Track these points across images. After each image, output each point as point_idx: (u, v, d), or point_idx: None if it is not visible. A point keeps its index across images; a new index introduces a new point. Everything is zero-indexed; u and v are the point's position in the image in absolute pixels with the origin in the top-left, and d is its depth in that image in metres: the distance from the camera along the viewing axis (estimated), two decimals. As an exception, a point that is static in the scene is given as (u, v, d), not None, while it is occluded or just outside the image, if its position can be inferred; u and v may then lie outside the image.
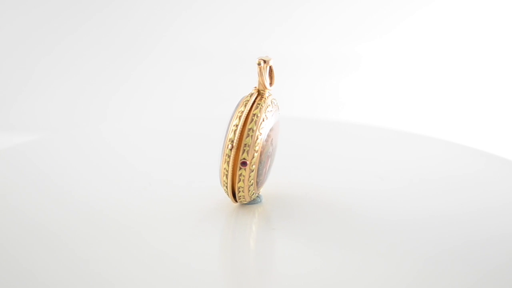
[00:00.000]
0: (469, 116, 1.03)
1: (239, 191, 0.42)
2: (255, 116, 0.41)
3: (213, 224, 0.42)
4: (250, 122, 0.41)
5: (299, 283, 0.36)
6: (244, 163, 0.41)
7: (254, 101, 0.42)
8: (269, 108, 0.42)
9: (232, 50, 1.07)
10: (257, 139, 0.41)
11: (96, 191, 0.47)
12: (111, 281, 0.35)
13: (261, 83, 0.42)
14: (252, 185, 0.42)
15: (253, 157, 0.41)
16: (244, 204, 0.44)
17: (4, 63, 1.05)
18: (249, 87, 0.44)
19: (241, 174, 0.41)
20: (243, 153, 0.41)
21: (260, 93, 0.42)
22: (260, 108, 0.42)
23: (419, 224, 0.42)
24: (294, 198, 0.46)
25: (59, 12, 1.06)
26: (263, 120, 0.41)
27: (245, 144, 0.41)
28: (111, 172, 0.51)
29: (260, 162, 0.42)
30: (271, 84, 0.43)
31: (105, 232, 0.41)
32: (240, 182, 0.42)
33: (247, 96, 0.42)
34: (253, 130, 0.41)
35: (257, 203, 0.45)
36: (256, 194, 0.44)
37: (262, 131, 0.41)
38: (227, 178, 0.42)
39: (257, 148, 0.41)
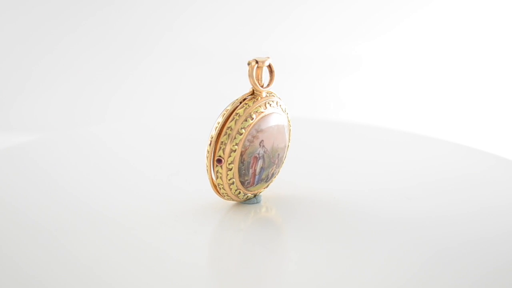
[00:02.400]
0: (470, 117, 1.03)
1: (220, 188, 0.42)
2: (237, 115, 0.41)
3: (208, 223, 0.42)
4: (231, 121, 0.41)
5: (289, 281, 0.36)
6: (219, 160, 0.41)
7: (243, 101, 0.42)
8: (261, 109, 0.42)
9: (232, 50, 1.07)
10: (234, 138, 0.41)
11: (96, 191, 0.47)
12: (108, 281, 0.35)
13: (251, 84, 0.42)
14: (233, 184, 0.42)
15: (230, 156, 0.41)
16: (242, 204, 0.45)
17: (4, 63, 1.05)
18: (249, 87, 0.44)
19: (217, 171, 0.41)
20: (219, 150, 0.41)
21: (254, 94, 0.42)
22: (246, 108, 0.41)
23: (421, 225, 0.42)
24: (294, 199, 0.46)
25: (59, 12, 1.06)
26: (246, 120, 0.41)
27: (222, 142, 0.41)
28: (111, 171, 0.51)
29: (241, 162, 0.42)
30: (269, 85, 0.42)
31: (104, 231, 0.41)
32: (218, 179, 0.42)
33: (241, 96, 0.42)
34: (231, 129, 0.41)
35: (254, 203, 0.45)
36: (248, 195, 0.44)
37: (243, 131, 0.41)
38: (207, 173, 0.42)
39: (235, 147, 0.41)
